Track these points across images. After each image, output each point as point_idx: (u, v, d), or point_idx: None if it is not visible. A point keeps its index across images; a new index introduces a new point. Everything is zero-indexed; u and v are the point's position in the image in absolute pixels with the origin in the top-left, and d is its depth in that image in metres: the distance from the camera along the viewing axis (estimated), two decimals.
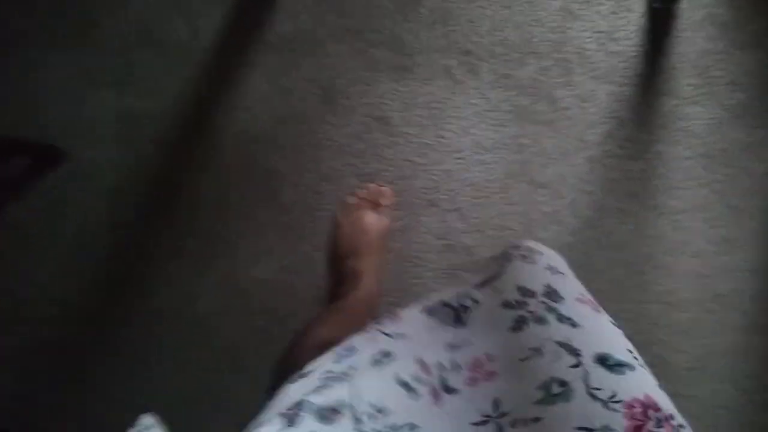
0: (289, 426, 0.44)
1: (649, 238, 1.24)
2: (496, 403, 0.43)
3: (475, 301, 0.51)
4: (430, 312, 0.54)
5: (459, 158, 1.17)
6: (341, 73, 1.11)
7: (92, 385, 1.17)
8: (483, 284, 0.54)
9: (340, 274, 1.10)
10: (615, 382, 0.45)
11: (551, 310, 0.49)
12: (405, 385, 0.47)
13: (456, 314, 0.52)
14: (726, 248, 1.25)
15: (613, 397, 0.44)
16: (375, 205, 1.12)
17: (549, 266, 0.57)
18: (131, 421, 0.49)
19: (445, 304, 0.53)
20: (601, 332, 0.49)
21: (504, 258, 0.58)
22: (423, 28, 1.11)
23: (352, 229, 1.10)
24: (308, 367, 0.54)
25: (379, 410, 0.46)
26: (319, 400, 0.47)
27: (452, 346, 0.49)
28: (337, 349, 0.55)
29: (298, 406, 0.47)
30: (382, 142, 1.14)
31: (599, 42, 1.15)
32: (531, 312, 0.48)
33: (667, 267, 1.25)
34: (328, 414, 0.45)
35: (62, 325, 1.15)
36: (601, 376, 0.44)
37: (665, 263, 1.24)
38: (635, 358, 0.48)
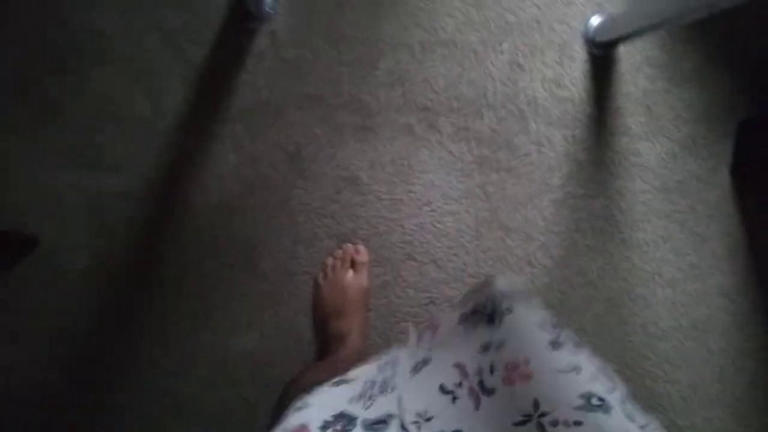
0: None
1: (622, 271, 1.25)
2: (535, 403, 0.43)
3: (510, 310, 0.51)
4: (463, 319, 0.55)
5: (430, 211, 1.17)
6: (307, 139, 1.11)
7: None
8: (513, 297, 0.55)
9: (326, 336, 1.10)
10: (647, 418, 0.46)
11: (581, 345, 0.51)
12: (445, 391, 0.48)
13: (489, 317, 0.52)
14: (695, 274, 1.27)
15: (646, 426, 0.45)
16: (352, 264, 1.12)
17: None
18: None
19: (477, 311, 0.54)
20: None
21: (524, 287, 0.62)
22: (381, 89, 1.13)
23: (332, 290, 1.10)
24: (351, 374, 0.56)
25: (425, 418, 0.47)
26: (368, 414, 0.48)
27: (486, 346, 0.49)
28: (379, 360, 0.57)
29: (348, 420, 0.47)
30: (354, 201, 1.13)
31: (548, 90, 1.19)
32: (568, 338, 0.49)
33: (644, 298, 1.25)
34: (376, 427, 0.47)
35: (43, 414, 1.08)
36: (633, 409, 0.45)
37: (641, 295, 1.25)
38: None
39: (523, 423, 0.43)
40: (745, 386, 1.25)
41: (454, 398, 0.48)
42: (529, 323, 0.51)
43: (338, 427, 0.47)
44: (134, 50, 1.07)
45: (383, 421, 0.47)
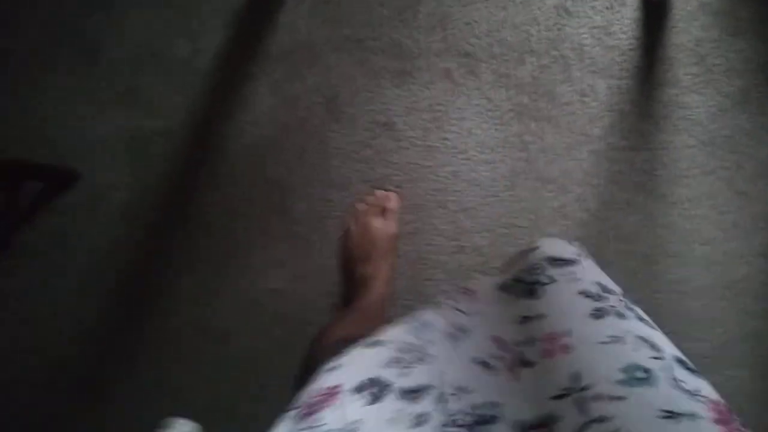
0: (374, 402, 0.45)
1: (659, 227, 1.22)
2: (575, 377, 0.42)
3: (552, 279, 0.50)
4: (503, 288, 0.53)
5: (464, 159, 1.16)
6: (343, 82, 1.10)
7: (112, 403, 1.14)
8: (558, 265, 0.53)
9: (351, 280, 1.11)
10: (698, 382, 0.44)
11: (631, 309, 0.49)
12: (483, 364, 0.47)
13: (530, 288, 0.51)
14: (735, 234, 1.23)
15: (698, 391, 0.43)
16: (382, 211, 1.12)
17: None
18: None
19: (518, 280, 0.52)
20: (671, 344, 0.50)
21: (575, 251, 0.58)
22: (421, 33, 1.10)
23: (360, 235, 1.10)
24: (382, 336, 0.54)
25: (461, 390, 0.46)
26: (404, 382, 0.47)
27: (525, 319, 0.48)
28: (411, 323, 0.55)
29: (383, 386, 0.47)
30: (388, 147, 1.12)
31: (595, 37, 1.13)
32: (612, 306, 0.47)
33: (679, 256, 1.23)
34: (413, 395, 0.46)
35: (80, 345, 1.14)
36: (683, 373, 0.43)
37: (676, 252, 1.23)
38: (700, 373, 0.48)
39: (561, 397, 0.41)
40: None
41: (491, 369, 0.47)
42: (572, 292, 0.49)
43: (373, 391, 0.47)
44: None
45: (420, 391, 0.47)
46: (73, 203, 1.10)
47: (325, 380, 0.48)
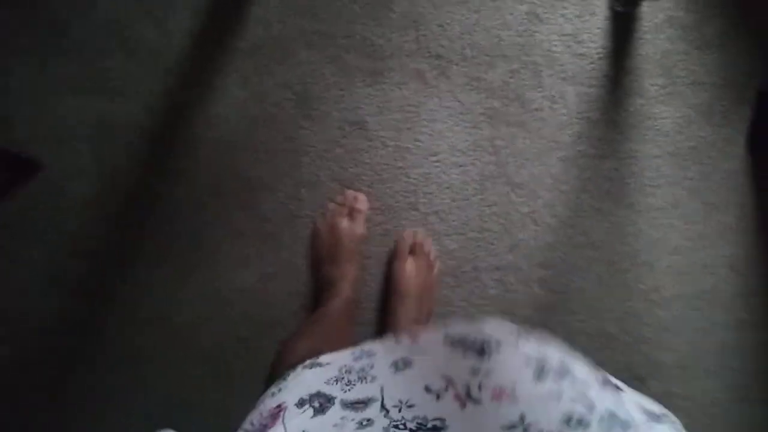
0: (318, 413, 0.46)
1: (628, 236, 1.22)
2: (522, 416, 0.44)
3: (498, 343, 0.52)
4: (451, 342, 0.54)
5: (436, 161, 1.14)
6: (315, 79, 1.08)
7: (72, 394, 1.08)
8: (502, 340, 0.55)
9: (319, 280, 1.09)
10: (630, 423, 0.47)
11: (567, 372, 0.52)
12: (428, 389, 0.48)
13: (480, 348, 0.52)
14: (703, 244, 1.24)
15: None
16: (350, 211, 1.10)
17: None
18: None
19: (467, 340, 0.54)
20: (606, 398, 0.52)
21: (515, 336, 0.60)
22: (394, 32, 1.10)
23: (327, 236, 1.09)
24: (323, 358, 0.56)
25: (406, 404, 0.47)
26: (347, 396, 0.48)
27: (475, 371, 0.49)
28: (353, 350, 0.56)
29: (326, 398, 0.48)
30: (359, 146, 1.10)
31: (566, 44, 1.14)
32: (551, 369, 0.51)
33: (648, 264, 1.23)
34: (356, 406, 0.47)
35: (42, 340, 1.08)
36: (612, 425, 0.47)
37: (646, 261, 1.22)
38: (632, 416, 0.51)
39: (509, 428, 0.44)
40: (745, 359, 1.23)
41: (438, 397, 0.47)
42: (516, 362, 0.51)
43: (315, 404, 0.48)
44: None
45: (363, 402, 0.47)
46: (35, 192, 1.05)
47: (268, 403, 0.50)
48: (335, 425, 0.45)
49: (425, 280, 1.10)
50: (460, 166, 1.14)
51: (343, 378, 0.51)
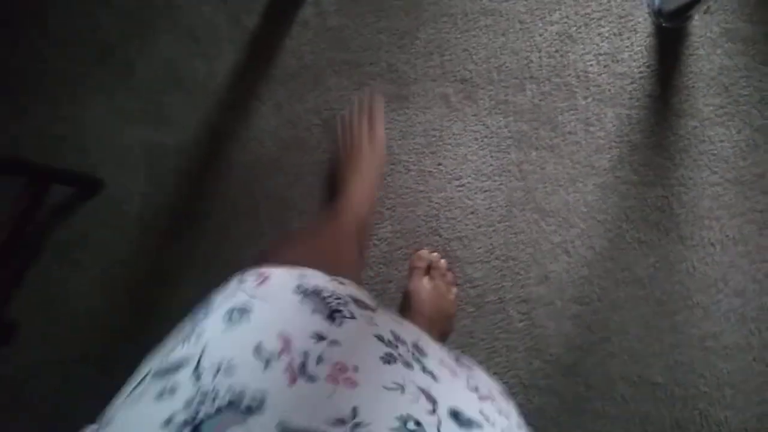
0: (131, 395, 0.41)
1: (679, 273, 1.08)
2: (354, 411, 0.39)
3: (352, 316, 0.47)
4: (304, 294, 0.48)
5: (459, 186, 1.10)
6: (341, 104, 1.09)
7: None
8: (360, 305, 0.49)
9: (333, 189, 1.05)
10: None
11: (417, 360, 0.45)
12: (257, 352, 0.41)
13: (330, 312, 0.46)
14: None
15: None
16: (370, 117, 1.07)
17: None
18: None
19: (322, 298, 0.48)
20: (456, 391, 0.46)
21: (375, 302, 0.55)
22: (419, 58, 1.08)
23: (349, 141, 1.06)
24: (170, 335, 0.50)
25: (226, 370, 0.40)
26: (162, 363, 0.42)
27: (320, 337, 0.43)
28: (198, 306, 0.50)
29: (142, 378, 0.42)
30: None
31: (602, 64, 1.05)
32: (400, 355, 0.44)
33: (704, 307, 1.07)
34: (166, 373, 0.40)
35: (92, 341, 1.20)
36: (451, 427, 0.42)
37: (700, 303, 1.06)
38: (486, 419, 0.45)
39: (336, 423, 0.38)
40: None
41: (267, 364, 0.41)
42: (368, 333, 0.46)
43: (130, 387, 0.42)
44: (196, 18, 1.15)
45: (174, 369, 0.41)
46: (95, 208, 1.19)
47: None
48: (136, 397, 0.40)
49: (441, 302, 1.04)
50: (486, 191, 1.09)
51: (176, 344, 0.45)
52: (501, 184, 1.07)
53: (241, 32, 1.14)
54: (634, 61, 1.04)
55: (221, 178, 1.15)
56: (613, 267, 1.05)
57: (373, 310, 0.50)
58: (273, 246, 0.71)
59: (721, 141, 1.03)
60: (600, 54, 1.05)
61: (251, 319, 0.44)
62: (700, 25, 1.03)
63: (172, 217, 1.17)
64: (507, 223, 1.07)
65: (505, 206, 1.07)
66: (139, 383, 0.41)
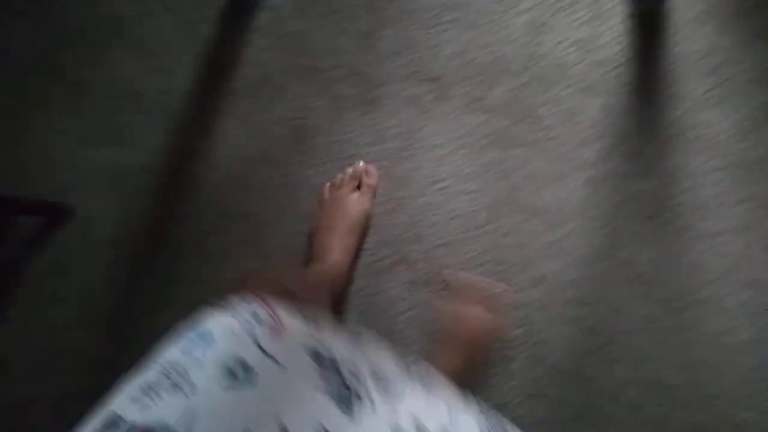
0: None
1: (682, 267, 1.00)
2: None
3: (372, 403, 0.40)
4: (320, 363, 0.41)
5: (440, 189, 1.01)
6: (308, 113, 1.04)
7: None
8: (381, 387, 0.42)
9: (312, 248, 1.00)
10: None
11: None
12: None
13: (348, 396, 0.40)
14: None
15: None
16: (360, 185, 1.02)
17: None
18: None
19: (339, 372, 0.41)
20: None
21: (402, 371, 0.47)
22: (384, 60, 1.03)
23: (332, 204, 1.00)
24: (153, 356, 0.43)
25: None
26: (138, 418, 0.36)
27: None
28: (190, 334, 0.43)
29: (110, 424, 0.36)
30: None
31: (580, 52, 0.99)
32: None
33: (715, 301, 0.98)
34: None
35: (79, 374, 1.12)
36: None
37: (711, 297, 0.98)
38: None
39: None
40: None
41: None
42: (385, 426, 0.39)
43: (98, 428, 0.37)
44: (149, 32, 1.10)
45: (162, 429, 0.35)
46: (68, 235, 1.12)
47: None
48: None
49: (483, 333, 0.95)
50: (468, 193, 1.01)
51: (157, 385, 0.38)
52: (483, 184, 1.00)
53: (196, 44, 1.09)
54: (614, 46, 0.98)
55: (190, 198, 1.08)
56: (612, 264, 0.97)
57: (397, 386, 0.42)
58: (260, 274, 0.66)
59: (716, 124, 0.96)
60: (576, 41, 0.99)
61: (257, 385, 0.37)
62: (681, 3, 0.98)
63: (145, 240, 1.10)
64: (494, 225, 0.99)
65: (490, 208, 1.00)
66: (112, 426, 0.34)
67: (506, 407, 0.94)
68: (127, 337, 1.09)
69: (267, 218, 1.06)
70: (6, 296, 1.13)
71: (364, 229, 1.02)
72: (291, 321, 0.43)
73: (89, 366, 1.10)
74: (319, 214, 1.01)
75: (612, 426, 0.92)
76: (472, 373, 0.97)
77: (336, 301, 0.97)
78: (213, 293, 1.04)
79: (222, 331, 0.41)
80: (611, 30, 0.99)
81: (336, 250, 0.94)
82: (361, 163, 1.02)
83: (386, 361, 0.44)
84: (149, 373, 0.39)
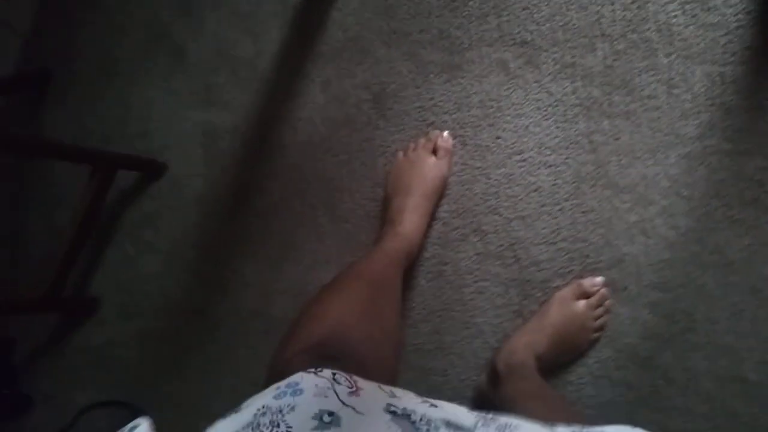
0: None
1: None
2: None
3: None
4: (394, 414, 0.44)
5: (521, 161, 0.99)
6: (392, 78, 1.02)
7: (181, 372, 1.21)
8: (452, 429, 0.44)
9: (387, 211, 1.02)
10: None
11: None
12: None
13: None
14: None
15: None
16: (435, 149, 1.02)
17: None
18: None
19: (412, 422, 0.44)
20: None
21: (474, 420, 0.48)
22: (473, 22, 0.98)
23: (408, 167, 1.01)
24: (245, 402, 0.47)
25: None
26: None
27: None
28: (279, 384, 0.47)
29: None
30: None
31: (689, 14, 0.89)
32: None
33: None
34: None
35: (159, 318, 1.24)
36: None
37: None
38: None
39: None
40: None
41: None
42: None
43: None
44: None
45: None
46: (160, 189, 1.21)
47: None
48: None
49: (579, 333, 0.95)
50: (550, 166, 0.98)
51: (257, 423, 0.42)
52: (568, 158, 0.96)
53: (284, 6, 1.10)
54: (729, 8, 0.87)
55: (273, 159, 1.13)
56: (700, 250, 0.92)
57: (470, 428, 0.44)
58: (286, 339, 0.67)
59: None
60: (685, 2, 0.89)
61: (341, 426, 0.41)
62: None
63: (229, 200, 1.17)
64: (575, 201, 0.96)
65: (573, 182, 0.96)
66: None
67: (571, 385, 0.96)
68: (210, 287, 1.20)
69: (345, 182, 1.09)
70: (102, 240, 1.27)
71: (439, 195, 1.02)
72: (366, 383, 0.47)
73: (173, 310, 1.22)
74: (395, 177, 1.02)
75: (681, 416, 0.91)
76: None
77: (407, 271, 0.99)
78: (294, 256, 1.11)
79: (307, 384, 0.45)
80: None
81: (411, 214, 0.95)
82: (436, 130, 1.01)
83: (460, 410, 0.47)
84: (246, 413, 0.44)
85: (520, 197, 0.99)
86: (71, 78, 1.28)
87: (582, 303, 0.95)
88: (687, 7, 0.89)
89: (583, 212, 0.96)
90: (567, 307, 0.95)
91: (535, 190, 0.98)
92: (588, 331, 0.95)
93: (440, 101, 1.01)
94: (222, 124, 1.15)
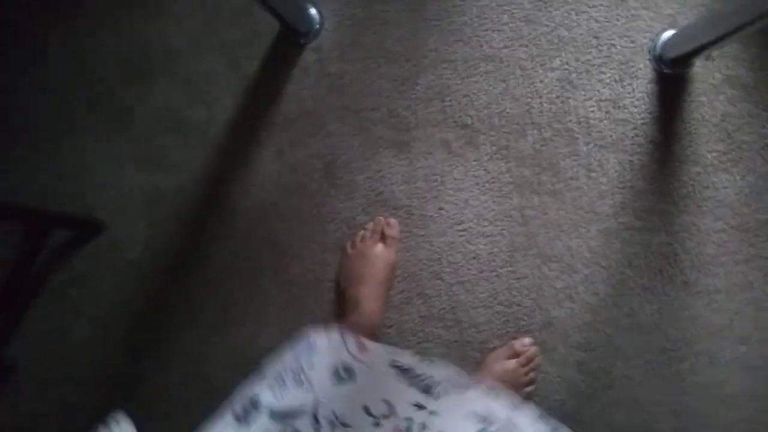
0: (241, 423, 0.45)
1: (683, 320, 1.06)
2: None
3: (446, 390, 0.48)
4: (399, 369, 0.49)
5: (461, 230, 1.08)
6: (343, 150, 1.08)
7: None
8: (452, 384, 0.50)
9: (343, 301, 1.06)
10: None
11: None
12: (367, 411, 0.44)
13: (425, 385, 0.48)
14: None
15: None
16: (382, 238, 1.07)
17: None
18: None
19: (416, 375, 0.49)
20: None
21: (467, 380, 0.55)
22: (420, 105, 1.07)
23: (357, 259, 1.06)
24: (273, 360, 0.53)
25: (341, 422, 0.44)
26: (275, 402, 0.45)
27: (420, 407, 0.45)
28: (296, 345, 0.53)
29: (253, 404, 0.46)
30: (384, 214, 1.07)
31: (604, 110, 1.03)
32: (497, 430, 0.47)
33: (708, 354, 1.04)
34: (286, 417, 0.44)
35: (86, 388, 1.18)
36: None
37: (705, 350, 1.04)
38: None
39: None
40: None
41: (378, 424, 0.42)
42: (464, 407, 0.47)
43: (239, 410, 0.45)
44: (195, 64, 1.15)
45: (292, 415, 0.44)
46: (94, 251, 1.18)
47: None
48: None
49: (511, 389, 1.00)
50: (488, 236, 1.08)
51: (278, 375, 0.48)
52: (503, 229, 1.06)
53: (240, 78, 1.13)
54: (636, 107, 1.03)
55: (221, 224, 1.14)
56: (617, 313, 1.04)
57: (465, 387, 0.51)
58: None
59: (725, 187, 1.02)
60: (601, 100, 1.04)
61: (357, 381, 0.47)
62: (701, 72, 1.02)
63: (171, 263, 1.16)
64: (510, 268, 1.06)
65: (508, 251, 1.06)
66: (248, 413, 0.44)
67: None
68: (140, 355, 1.16)
69: (295, 247, 1.12)
70: (28, 303, 1.20)
71: (392, 280, 1.07)
72: (371, 343, 0.53)
73: (97, 380, 1.16)
74: (347, 270, 1.07)
75: None
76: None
77: None
78: (237, 319, 1.11)
79: (322, 343, 0.52)
80: (635, 91, 1.03)
81: (367, 302, 1.00)
82: (381, 218, 1.08)
83: (453, 370, 0.53)
84: (274, 370, 0.50)
85: (460, 264, 1.07)
86: (8, 136, 1.24)
87: (513, 362, 1.02)
88: (602, 104, 1.04)
89: (517, 278, 1.05)
90: (500, 365, 1.03)
91: (474, 258, 1.07)
92: (520, 387, 1.03)
93: (388, 173, 1.08)
94: (167, 187, 1.14)
